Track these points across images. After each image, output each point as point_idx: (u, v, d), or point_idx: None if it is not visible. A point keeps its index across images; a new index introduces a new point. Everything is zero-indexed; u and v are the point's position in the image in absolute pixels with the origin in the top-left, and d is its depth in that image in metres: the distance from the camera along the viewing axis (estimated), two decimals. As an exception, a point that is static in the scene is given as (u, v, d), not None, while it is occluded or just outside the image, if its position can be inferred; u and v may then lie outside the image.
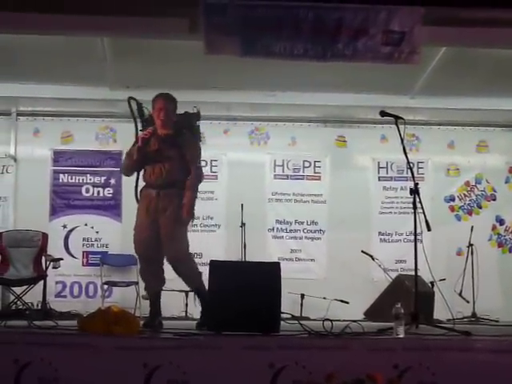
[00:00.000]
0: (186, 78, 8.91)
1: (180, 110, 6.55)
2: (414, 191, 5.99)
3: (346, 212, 10.10)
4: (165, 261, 6.37)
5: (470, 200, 10.58)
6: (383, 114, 6.20)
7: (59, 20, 6.84)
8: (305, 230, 10.41)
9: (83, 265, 10.11)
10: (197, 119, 6.58)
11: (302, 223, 10.41)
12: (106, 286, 9.75)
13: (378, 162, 10.55)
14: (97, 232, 10.17)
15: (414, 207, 5.97)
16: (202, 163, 9.95)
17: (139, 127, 6.54)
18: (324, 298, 9.05)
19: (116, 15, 6.77)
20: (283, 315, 5.42)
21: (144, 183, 6.48)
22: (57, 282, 9.86)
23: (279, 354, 4.42)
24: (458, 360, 4.46)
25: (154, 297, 6.44)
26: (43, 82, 9.63)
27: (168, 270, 6.40)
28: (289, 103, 10.13)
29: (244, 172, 10.23)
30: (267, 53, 6.89)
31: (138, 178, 6.58)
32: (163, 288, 6.52)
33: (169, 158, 6.32)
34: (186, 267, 6.34)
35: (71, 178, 10.27)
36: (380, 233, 10.43)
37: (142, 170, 6.51)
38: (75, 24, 6.93)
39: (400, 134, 6.03)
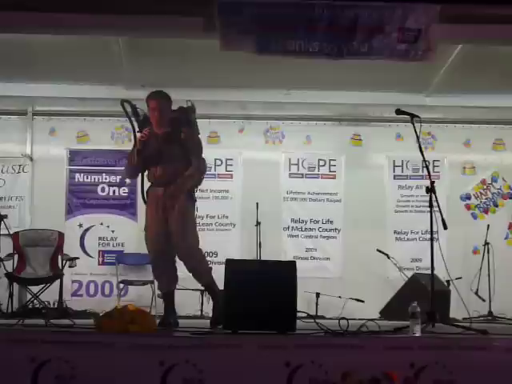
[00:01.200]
0: (201, 76, 8.94)
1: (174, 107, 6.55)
2: (430, 190, 5.96)
3: (361, 211, 10.09)
4: (177, 258, 6.39)
5: (487, 198, 10.54)
6: (399, 112, 6.17)
7: (74, 19, 6.85)
8: (320, 229, 10.40)
9: (99, 264, 10.16)
10: (193, 113, 6.56)
11: (318, 222, 10.41)
12: (121, 285, 9.80)
13: (394, 161, 10.54)
14: (112, 231, 10.21)
15: (430, 206, 5.94)
16: (218, 162, 10.18)
17: (136, 128, 6.55)
18: (339, 297, 9.06)
19: (131, 14, 6.79)
20: (299, 314, 5.41)
21: (149, 183, 6.49)
22: (73, 281, 9.92)
23: (295, 353, 4.41)
24: (475, 358, 4.44)
25: (168, 295, 6.45)
26: (59, 82, 9.71)
27: (182, 268, 6.41)
28: (304, 102, 10.16)
29: (259, 171, 10.23)
30: (283, 51, 6.88)
31: (142, 179, 6.58)
32: (177, 286, 6.54)
33: (171, 155, 6.30)
34: (197, 263, 6.34)
35: (87, 178, 10.31)
36: (395, 231, 10.40)
37: (146, 171, 6.51)
38: (90, 23, 6.95)
39: (416, 132, 6.00)
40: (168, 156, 6.30)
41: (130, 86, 9.45)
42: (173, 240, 6.26)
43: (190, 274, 6.40)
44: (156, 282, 6.97)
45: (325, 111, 10.48)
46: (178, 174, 6.29)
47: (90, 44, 8.25)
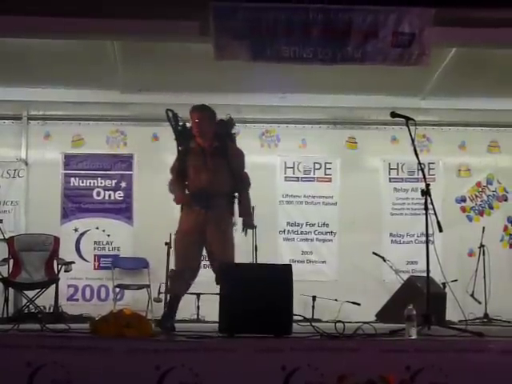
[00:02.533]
0: (196, 80, 8.93)
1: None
2: (426, 192, 5.97)
3: (356, 213, 10.09)
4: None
5: (482, 201, 10.55)
6: (394, 115, 6.18)
7: (70, 23, 6.87)
8: (316, 232, 10.40)
9: (95, 268, 10.13)
10: (233, 126, 6.65)
11: (313, 225, 10.40)
12: (117, 289, 9.77)
13: (389, 164, 10.53)
14: (108, 235, 10.18)
15: (426, 208, 5.94)
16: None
17: (174, 137, 6.60)
18: (335, 300, 9.04)
19: (127, 18, 6.79)
20: (295, 317, 5.41)
21: (188, 192, 6.55)
22: (69, 286, 9.88)
23: (291, 356, 4.42)
24: (471, 361, 4.45)
25: (175, 300, 6.47)
26: (54, 86, 9.69)
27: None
28: (299, 105, 10.15)
29: (255, 174, 10.09)
30: (277, 57, 6.90)
31: (185, 186, 6.59)
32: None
33: (215, 168, 6.40)
34: None
35: (82, 182, 10.29)
36: (391, 234, 10.40)
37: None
38: (85, 27, 6.96)
39: (411, 135, 6.01)
40: (213, 169, 6.39)
41: (125, 90, 9.46)
42: (211, 253, 6.41)
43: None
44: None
45: (320, 114, 10.47)
46: (221, 187, 6.42)
47: (85, 48, 8.24)
